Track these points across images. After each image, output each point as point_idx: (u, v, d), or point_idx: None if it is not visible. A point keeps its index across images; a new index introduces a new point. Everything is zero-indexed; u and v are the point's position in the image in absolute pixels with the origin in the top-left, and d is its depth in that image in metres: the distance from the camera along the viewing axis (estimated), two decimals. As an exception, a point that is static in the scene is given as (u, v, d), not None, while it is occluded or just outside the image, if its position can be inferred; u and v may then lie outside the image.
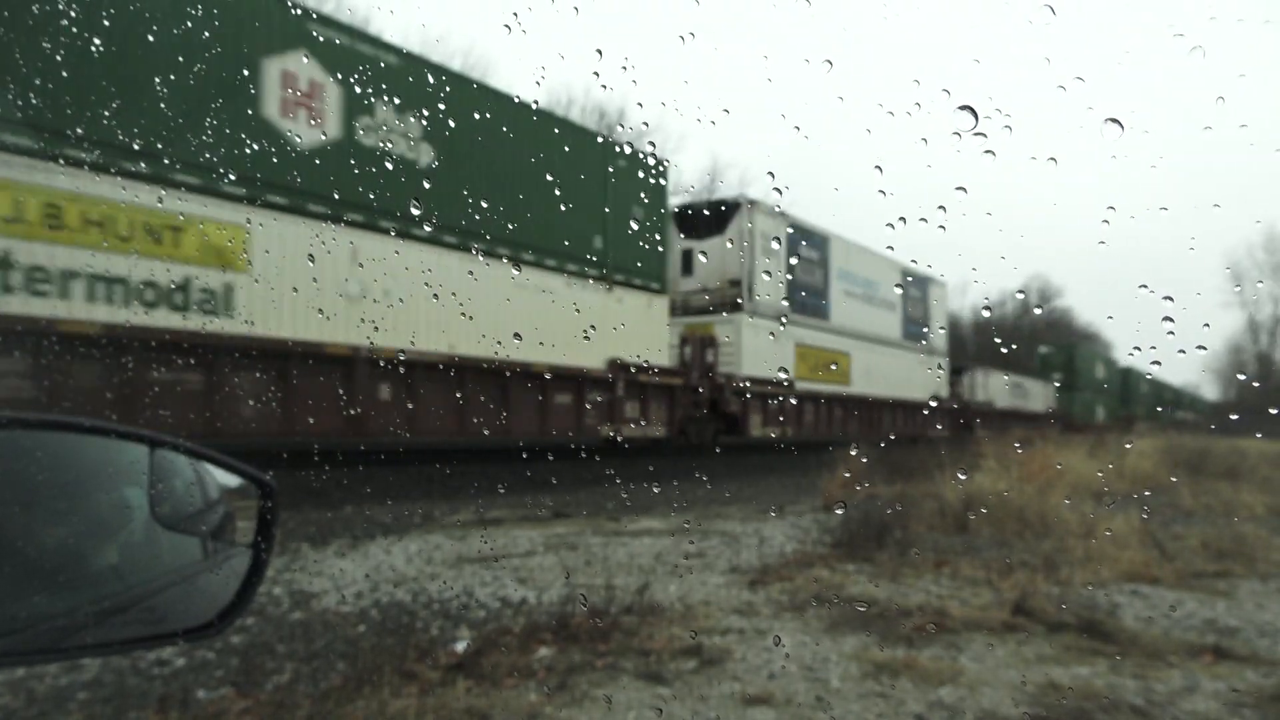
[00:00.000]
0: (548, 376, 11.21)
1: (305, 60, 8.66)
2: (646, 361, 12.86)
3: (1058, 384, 32.07)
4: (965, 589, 5.05)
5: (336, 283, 9.00)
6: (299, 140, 8.60)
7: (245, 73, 8.20)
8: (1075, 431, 21.05)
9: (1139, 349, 3.68)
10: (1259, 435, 14.04)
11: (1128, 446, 13.07)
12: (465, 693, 3.07)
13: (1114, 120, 2.29)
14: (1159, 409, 47.06)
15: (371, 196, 9.38)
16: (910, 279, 21.63)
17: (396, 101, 9.62)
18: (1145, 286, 3.14)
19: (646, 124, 14.21)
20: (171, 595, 0.92)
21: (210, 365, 7.99)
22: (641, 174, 13.13)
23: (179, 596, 0.93)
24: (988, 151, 2.42)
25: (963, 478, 8.43)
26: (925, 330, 22.33)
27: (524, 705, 3.00)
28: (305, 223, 8.65)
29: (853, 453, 9.81)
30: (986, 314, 23.92)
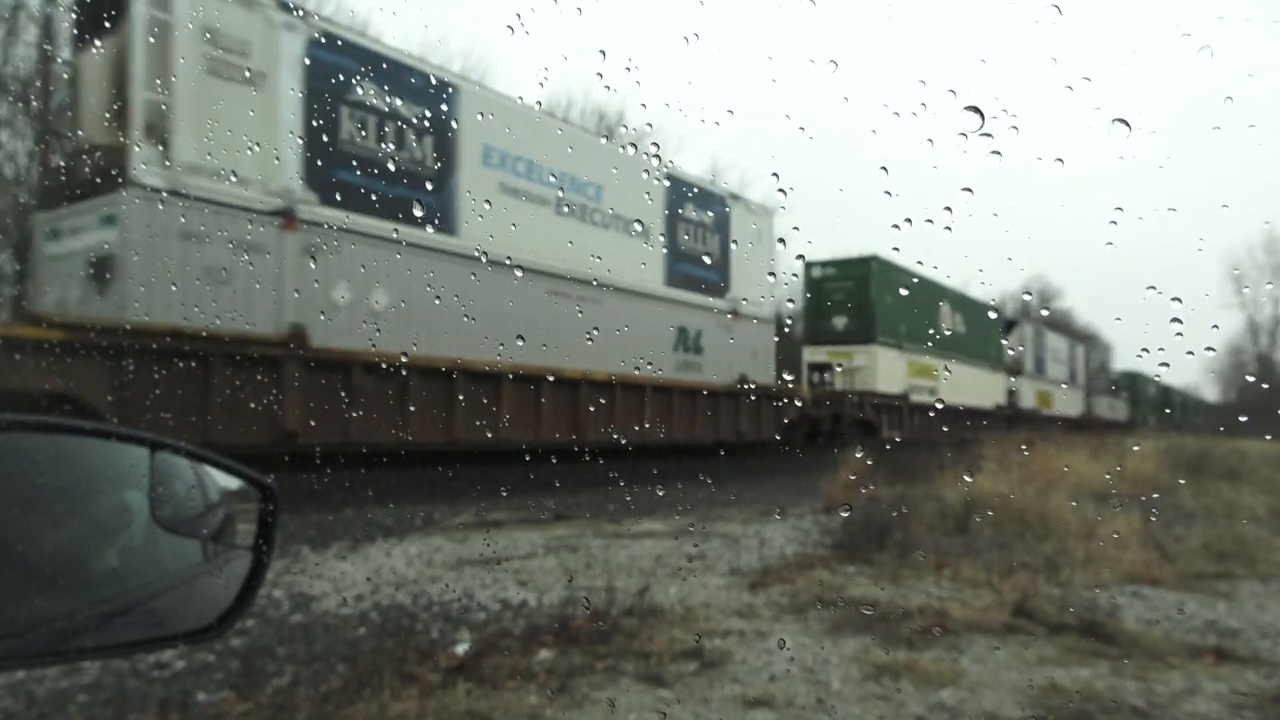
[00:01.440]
0: (978, 412, 25.00)
1: (944, 305, 23.06)
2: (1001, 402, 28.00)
3: (1126, 399, 48.02)
4: (966, 590, 5.04)
5: (954, 382, 23.78)
6: (947, 332, 23.27)
7: (932, 311, 22.71)
8: (1143, 433, 31.52)
9: (1147, 350, 3.68)
10: (1269, 437, 14.05)
11: (1135, 449, 13.04)
12: (466, 695, 3.07)
13: (1121, 120, 2.28)
14: (1184, 414, 59.29)
15: (952, 348, 24.19)
16: (1073, 345, 36.76)
17: (955, 310, 23.78)
18: (1154, 288, 3.15)
19: (650, 125, 14.28)
20: (172, 598, 0.92)
21: (939, 416, 22.27)
22: (997, 316, 30.67)
23: (179, 599, 0.93)
24: (994, 152, 2.42)
25: (969, 480, 8.42)
26: (1076, 374, 37.46)
27: (524, 707, 3.00)
28: (953, 362, 23.83)
29: (858, 455, 9.88)
30: (993, 316, 28.84)
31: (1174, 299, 2.96)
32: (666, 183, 13.80)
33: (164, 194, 7.82)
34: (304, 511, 7.77)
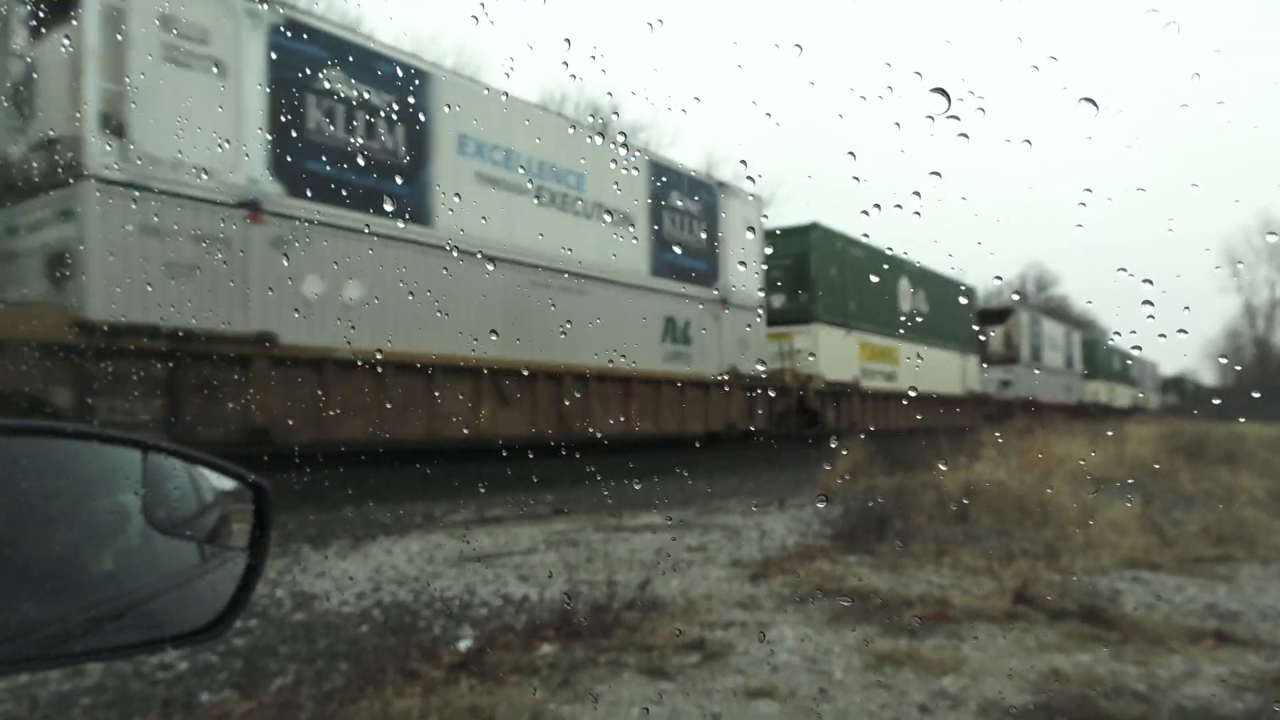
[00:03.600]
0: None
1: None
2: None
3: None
4: (966, 578, 5.06)
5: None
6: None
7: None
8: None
9: (1134, 332, 3.71)
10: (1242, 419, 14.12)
11: (1134, 432, 13.06)
12: (468, 691, 3.08)
13: (1089, 100, 2.27)
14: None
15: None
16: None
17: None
18: (1124, 269, 3.15)
19: (616, 113, 14.28)
20: (168, 600, 0.92)
21: (900, 402, 21.19)
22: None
23: (176, 601, 0.93)
24: (961, 134, 2.42)
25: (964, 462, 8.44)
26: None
27: (527, 703, 3.00)
28: (910, 345, 21.45)
29: (858, 441, 9.94)
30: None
31: (1145, 280, 2.97)
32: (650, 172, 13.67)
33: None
34: (303, 510, 7.77)
